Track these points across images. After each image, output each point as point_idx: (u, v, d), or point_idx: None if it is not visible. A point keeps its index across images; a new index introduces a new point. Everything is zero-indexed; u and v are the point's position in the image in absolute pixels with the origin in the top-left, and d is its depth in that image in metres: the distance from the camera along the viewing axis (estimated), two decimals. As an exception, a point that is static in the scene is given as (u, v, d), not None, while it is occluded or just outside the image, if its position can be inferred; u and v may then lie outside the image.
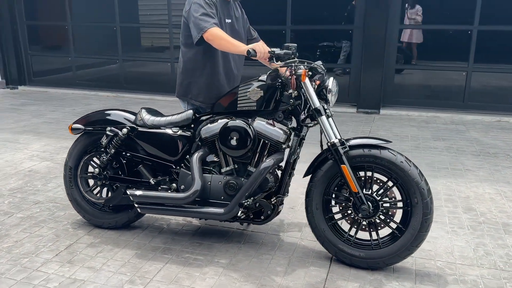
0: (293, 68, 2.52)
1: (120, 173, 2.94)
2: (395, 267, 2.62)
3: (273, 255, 2.75)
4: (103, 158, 2.91)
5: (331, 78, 2.59)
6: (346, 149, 2.52)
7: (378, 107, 6.72)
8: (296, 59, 2.55)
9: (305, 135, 2.80)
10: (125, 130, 2.86)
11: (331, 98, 2.59)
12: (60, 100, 7.72)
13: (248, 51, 2.48)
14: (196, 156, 2.73)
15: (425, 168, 4.25)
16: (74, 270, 2.57)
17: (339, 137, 2.53)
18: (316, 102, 2.53)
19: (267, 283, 2.46)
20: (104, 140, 2.89)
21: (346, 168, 2.50)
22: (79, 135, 3.02)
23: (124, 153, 2.91)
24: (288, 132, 2.67)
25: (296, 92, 2.58)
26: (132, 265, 2.63)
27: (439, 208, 3.40)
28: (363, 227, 2.63)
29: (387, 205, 2.58)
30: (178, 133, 2.79)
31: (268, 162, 2.59)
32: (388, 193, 2.58)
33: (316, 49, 7.12)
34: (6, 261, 2.67)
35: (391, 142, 2.61)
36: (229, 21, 2.89)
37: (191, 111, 2.83)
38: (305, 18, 6.99)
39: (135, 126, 2.87)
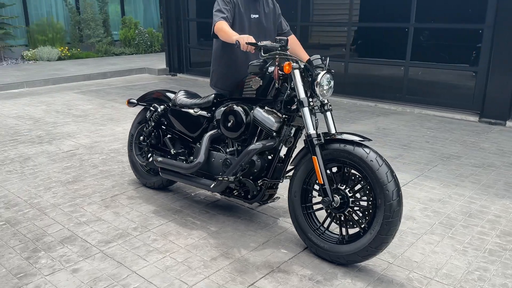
0: (277, 60, 2.68)
1: (157, 142, 3.52)
2: (362, 266, 2.57)
3: (257, 233, 2.96)
4: (146, 128, 3.52)
5: (323, 72, 2.66)
6: (320, 141, 2.58)
7: (505, 118, 5.91)
8: (280, 51, 2.67)
9: (303, 126, 2.92)
10: (162, 107, 3.41)
11: (320, 91, 2.65)
12: (201, 87, 8.86)
13: (235, 42, 2.73)
14: (207, 134, 3.11)
15: None
16: (104, 212, 3.25)
17: (314, 131, 2.60)
18: (301, 94, 2.64)
19: (231, 253, 2.71)
20: (148, 114, 3.51)
21: (315, 159, 2.56)
22: (141, 108, 3.70)
23: (161, 126, 3.48)
24: (282, 121, 2.83)
25: (280, 83, 2.73)
26: (145, 217, 3.17)
27: (471, 227, 3.05)
28: (335, 221, 2.65)
29: (356, 202, 2.55)
30: (198, 113, 3.21)
31: (254, 145, 2.81)
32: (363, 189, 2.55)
33: (441, 49, 6.61)
34: (68, 198, 3.50)
35: (370, 140, 2.56)
36: (256, 16, 3.16)
37: (213, 95, 3.21)
38: (431, 16, 6.54)
39: (170, 104, 3.39)
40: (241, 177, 2.88)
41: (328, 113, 2.80)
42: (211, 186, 2.98)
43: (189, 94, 3.44)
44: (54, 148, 4.74)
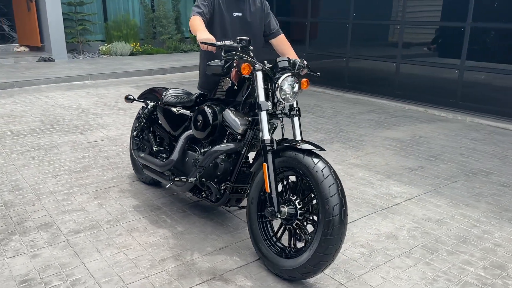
0: (235, 61, 2.57)
1: (148, 138, 3.58)
2: (308, 283, 2.40)
3: (220, 238, 2.89)
4: (139, 125, 3.59)
5: (285, 75, 2.51)
6: (272, 148, 2.44)
7: None
8: (239, 52, 2.56)
9: (273, 130, 2.80)
10: (152, 104, 3.46)
11: (281, 95, 2.51)
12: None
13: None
14: (185, 133, 3.10)
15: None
16: (90, 203, 3.38)
17: (269, 136, 2.47)
18: (260, 96, 2.52)
19: (183, 255, 2.67)
20: (140, 111, 3.58)
21: (264, 167, 2.43)
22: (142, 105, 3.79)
23: (151, 122, 3.53)
24: (247, 125, 2.73)
25: (235, 84, 2.63)
26: (123, 211, 3.25)
27: (458, 254, 2.70)
28: (289, 232, 2.50)
29: (304, 214, 2.38)
30: (180, 111, 3.20)
31: (216, 147, 2.74)
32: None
33: (502, 51, 5.93)
34: (67, 186, 3.70)
35: (323, 150, 2.37)
36: (239, 14, 3.07)
37: (196, 95, 3.18)
38: (490, 14, 5.88)
39: (158, 102, 3.43)
40: (203, 179, 2.83)
41: (296, 119, 2.65)
42: (167, 186, 2.98)
43: (179, 93, 3.45)
44: (82, 138, 5.04)
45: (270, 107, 2.53)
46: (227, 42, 2.58)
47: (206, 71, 2.73)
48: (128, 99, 3.69)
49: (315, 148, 2.35)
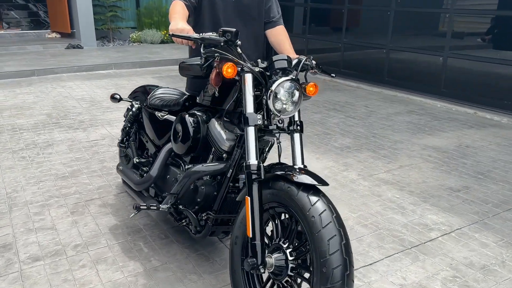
0: (216, 60, 1.97)
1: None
2: None
3: (201, 280, 2.33)
4: (124, 129, 3.07)
5: (281, 80, 1.89)
6: (259, 177, 1.84)
7: None
8: (220, 49, 1.95)
9: (268, 148, 2.20)
10: (136, 106, 2.93)
11: (276, 105, 1.90)
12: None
13: None
14: (168, 145, 2.55)
15: None
16: (64, 220, 2.91)
17: (256, 161, 1.86)
18: (248, 107, 1.92)
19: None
20: (125, 113, 3.05)
21: (247, 201, 1.83)
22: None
23: (138, 127, 3.00)
24: (236, 140, 2.14)
25: (216, 91, 2.03)
26: (97, 233, 2.75)
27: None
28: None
29: (298, 269, 1.77)
30: (165, 117, 2.65)
31: (196, 167, 2.17)
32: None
33: None
34: (46, 196, 3.25)
35: (327, 185, 1.75)
36: (235, -1, 2.46)
37: (184, 98, 2.62)
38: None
39: (144, 104, 2.88)
40: (180, 206, 2.27)
41: (296, 136, 2.03)
42: (130, 216, 2.43)
43: (170, 93, 2.89)
44: (83, 136, 4.61)
45: (260, 121, 1.92)
46: (207, 35, 1.98)
47: (180, 72, 2.14)
48: (114, 98, 3.17)
49: (315, 182, 1.73)
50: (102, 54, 9.76)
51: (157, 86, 3.01)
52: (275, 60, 1.96)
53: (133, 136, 3.06)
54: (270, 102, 1.89)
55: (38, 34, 11.66)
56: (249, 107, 1.92)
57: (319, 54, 8.65)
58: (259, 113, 1.95)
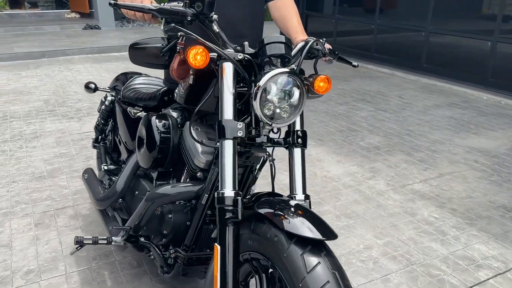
0: (180, 42, 1.36)
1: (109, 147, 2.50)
2: None
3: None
4: (98, 126, 2.52)
5: (274, 72, 1.28)
6: (234, 217, 1.25)
7: None
8: (182, 27, 1.35)
9: (260, 165, 1.60)
10: (109, 98, 2.37)
11: (264, 109, 1.30)
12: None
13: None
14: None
15: None
16: (24, 234, 2.41)
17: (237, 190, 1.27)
18: (225, 112, 1.32)
19: None
20: (99, 106, 2.51)
21: (216, 252, 1.25)
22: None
23: (111, 124, 2.45)
24: (214, 154, 1.55)
25: (181, 85, 1.43)
26: (57, 255, 2.24)
27: None
28: None
29: None
30: (138, 114, 2.08)
31: (160, 190, 1.59)
32: None
33: None
34: (13, 201, 2.77)
35: (335, 238, 1.14)
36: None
37: (162, 91, 2.03)
38: None
39: (117, 97, 2.32)
40: (142, 239, 1.71)
41: (297, 153, 1.44)
42: (70, 253, 1.88)
43: (149, 84, 2.31)
44: (76, 126, 4.11)
45: (241, 133, 1.31)
46: (169, 4, 1.38)
47: (131, 58, 1.56)
48: (88, 88, 2.61)
49: (316, 235, 1.12)
50: (118, 35, 9.29)
51: (139, 74, 2.44)
52: (268, 43, 1.34)
53: (110, 135, 2.52)
54: (256, 105, 1.28)
55: (57, 14, 11.30)
56: (227, 111, 1.32)
57: (349, 36, 7.88)
58: (241, 121, 1.35)
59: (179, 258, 1.64)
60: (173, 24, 1.34)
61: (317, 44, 1.50)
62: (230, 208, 1.25)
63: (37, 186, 2.97)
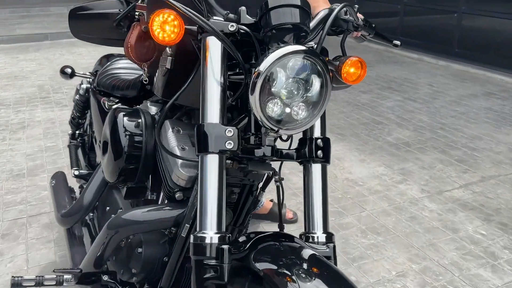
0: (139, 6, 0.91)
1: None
2: None
3: None
4: (73, 119, 2.10)
5: (280, 51, 0.83)
6: (218, 277, 0.81)
7: None
8: None
9: (264, 183, 1.16)
10: (84, 86, 1.94)
11: (265, 110, 0.85)
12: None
13: None
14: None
15: None
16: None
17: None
18: (209, 111, 0.90)
19: None
20: (74, 96, 2.08)
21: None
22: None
23: (89, 117, 2.02)
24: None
25: (144, 75, 1.00)
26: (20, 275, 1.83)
27: None
28: None
29: None
30: (113, 107, 1.64)
31: (126, 215, 1.16)
32: None
33: None
34: None
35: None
36: None
37: (142, 78, 1.59)
38: None
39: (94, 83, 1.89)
40: (105, 278, 1.28)
41: (316, 168, 0.99)
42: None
43: (131, 68, 1.87)
44: (68, 115, 3.71)
45: (231, 145, 0.87)
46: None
47: (72, 30, 1.12)
48: (64, 73, 2.17)
49: None
50: (128, 17, 8.86)
51: (121, 56, 2.00)
52: (273, 7, 0.89)
53: (89, 130, 2.09)
54: (254, 102, 0.84)
55: (66, -5, 10.90)
56: (211, 110, 0.89)
57: (373, 18, 7.27)
58: (233, 125, 0.90)
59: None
60: (128, -23, 0.89)
61: (346, 13, 1.04)
62: (212, 263, 0.82)
63: (13, 187, 2.58)
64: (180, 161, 1.13)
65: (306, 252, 0.84)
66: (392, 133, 3.39)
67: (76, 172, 1.82)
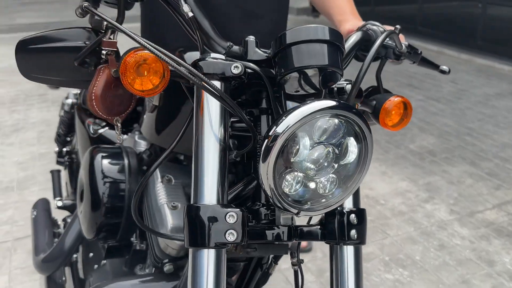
0: (104, 41, 0.66)
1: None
2: None
3: None
4: (60, 135, 1.86)
5: (309, 107, 0.58)
6: None
7: None
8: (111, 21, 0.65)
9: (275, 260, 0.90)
10: (69, 101, 1.70)
11: (275, 183, 0.60)
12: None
13: None
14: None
15: None
16: None
17: None
18: (199, 183, 0.63)
19: None
20: (60, 110, 1.84)
21: None
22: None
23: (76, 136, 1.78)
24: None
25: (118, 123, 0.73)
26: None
27: None
28: None
29: None
30: (99, 131, 1.39)
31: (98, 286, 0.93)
32: None
33: None
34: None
35: None
36: None
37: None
38: None
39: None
40: None
41: (348, 251, 0.75)
42: None
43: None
44: (66, 116, 3.49)
45: (234, 236, 0.62)
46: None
47: (19, 66, 0.86)
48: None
49: None
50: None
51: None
52: (294, 43, 0.63)
53: (77, 148, 1.86)
54: (265, 173, 0.59)
55: (72, -19, 10.63)
56: (207, 184, 0.64)
57: (389, 6, 6.94)
58: (237, 203, 0.65)
59: None
60: (86, 3, 0.63)
61: (391, 37, 0.79)
62: None
63: (0, 202, 2.36)
64: (170, 223, 0.89)
65: None
66: (415, 139, 3.11)
67: (60, 203, 1.58)
